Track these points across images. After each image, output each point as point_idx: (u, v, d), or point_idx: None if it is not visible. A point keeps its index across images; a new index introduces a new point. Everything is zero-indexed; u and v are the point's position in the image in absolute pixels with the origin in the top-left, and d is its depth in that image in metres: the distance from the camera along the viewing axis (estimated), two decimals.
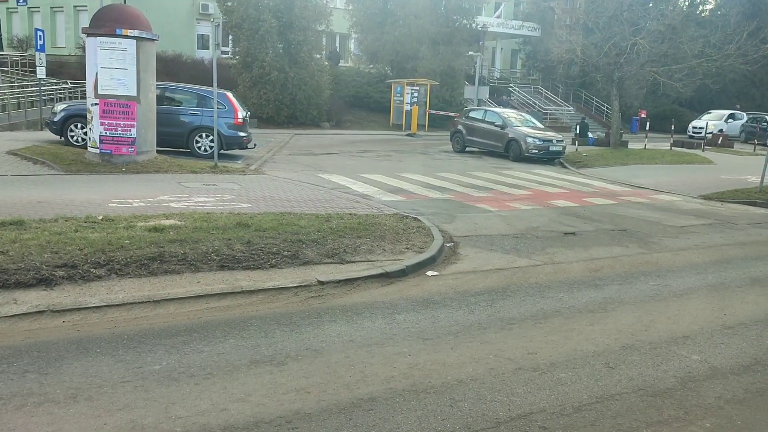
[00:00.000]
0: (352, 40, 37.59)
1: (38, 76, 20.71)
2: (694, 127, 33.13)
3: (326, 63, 30.40)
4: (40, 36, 20.58)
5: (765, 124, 32.20)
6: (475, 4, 33.95)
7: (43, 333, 4.90)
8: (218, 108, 14.27)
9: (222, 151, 15.15)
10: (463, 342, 5.20)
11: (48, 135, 16.01)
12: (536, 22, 38.56)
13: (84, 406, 3.82)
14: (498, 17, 39.59)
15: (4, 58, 29.00)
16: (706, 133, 29.20)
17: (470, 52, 32.57)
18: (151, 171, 12.25)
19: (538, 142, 19.96)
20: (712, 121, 32.68)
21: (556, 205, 12.41)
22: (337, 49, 37.14)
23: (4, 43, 35.56)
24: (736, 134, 32.23)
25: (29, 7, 33.31)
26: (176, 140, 15.24)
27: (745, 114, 34.96)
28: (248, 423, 3.74)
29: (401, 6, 31.84)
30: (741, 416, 4.21)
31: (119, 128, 12.17)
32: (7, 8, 35.58)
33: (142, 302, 5.59)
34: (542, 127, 22.84)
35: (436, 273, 7.30)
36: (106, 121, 12.12)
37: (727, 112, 34.60)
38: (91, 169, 12.03)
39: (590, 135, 27.54)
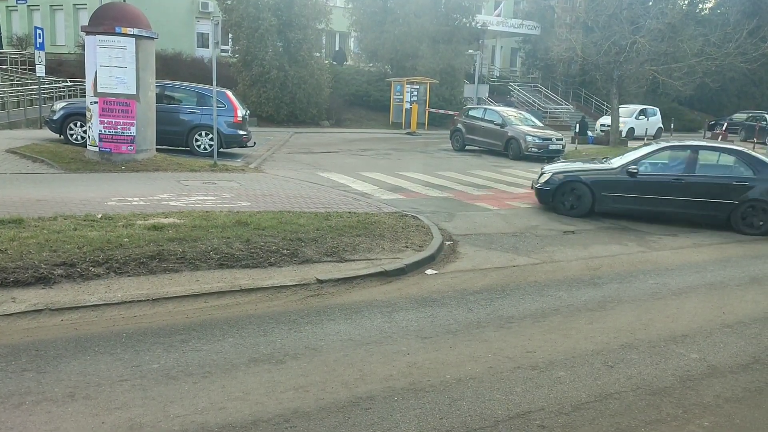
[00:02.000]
0: (352, 39, 37.57)
1: (38, 75, 20.72)
2: (602, 125, 30.17)
3: (327, 62, 30.39)
4: (39, 34, 20.58)
5: (765, 122, 32.18)
6: (475, 2, 33.95)
7: (42, 331, 4.90)
8: (218, 106, 14.26)
9: (221, 150, 15.15)
10: (462, 341, 5.20)
11: (47, 133, 16.00)
12: (536, 20, 38.57)
13: (82, 404, 3.82)
14: (498, 16, 39.57)
15: (3, 57, 28.99)
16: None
17: (470, 51, 32.58)
18: (150, 169, 12.25)
19: (537, 141, 19.95)
20: (621, 118, 29.08)
21: None
22: (340, 48, 37.14)
23: (4, 41, 35.53)
24: (644, 133, 29.07)
25: (29, 6, 33.29)
26: (176, 139, 15.23)
27: (657, 110, 32.03)
28: (247, 422, 3.73)
29: (401, 4, 31.83)
30: (740, 415, 4.21)
31: (118, 127, 12.17)
32: (7, 6, 35.55)
33: (140, 301, 5.59)
34: (542, 125, 22.85)
35: (435, 271, 7.30)
36: (106, 120, 12.12)
37: (639, 107, 31.53)
38: (90, 167, 12.03)
39: (590, 133, 27.54)
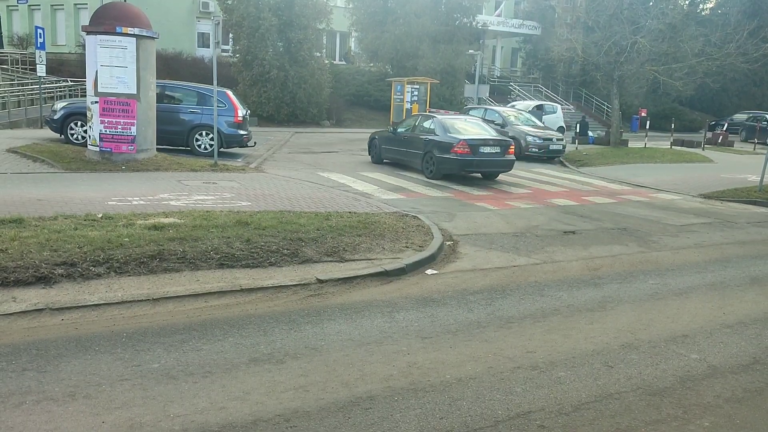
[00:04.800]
0: (353, 39, 37.58)
1: (38, 74, 20.71)
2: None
3: (328, 62, 30.35)
4: (40, 34, 20.57)
5: (765, 122, 32.15)
6: (476, 2, 33.93)
7: (42, 331, 4.90)
8: (218, 106, 14.26)
9: (222, 150, 15.15)
10: (462, 341, 5.20)
11: (48, 133, 16.02)
12: (537, 20, 38.56)
13: (82, 404, 3.82)
14: (498, 16, 39.55)
15: (4, 56, 29.00)
16: None
17: (470, 51, 32.54)
18: (150, 169, 12.25)
19: (538, 141, 19.94)
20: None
21: (555, 204, 12.40)
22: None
23: (5, 41, 35.54)
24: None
25: (29, 5, 33.30)
26: (176, 138, 15.24)
27: (560, 107, 28.34)
28: (247, 421, 3.74)
29: (401, 4, 31.84)
30: (740, 415, 4.21)
31: (119, 126, 12.17)
32: (8, 6, 35.55)
33: (141, 300, 5.60)
34: (542, 125, 22.82)
35: (435, 271, 7.30)
36: (106, 119, 12.12)
37: (534, 103, 28.09)
38: (91, 167, 12.03)
39: (590, 134, 27.51)
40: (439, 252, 8.00)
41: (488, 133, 15.43)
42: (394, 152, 16.22)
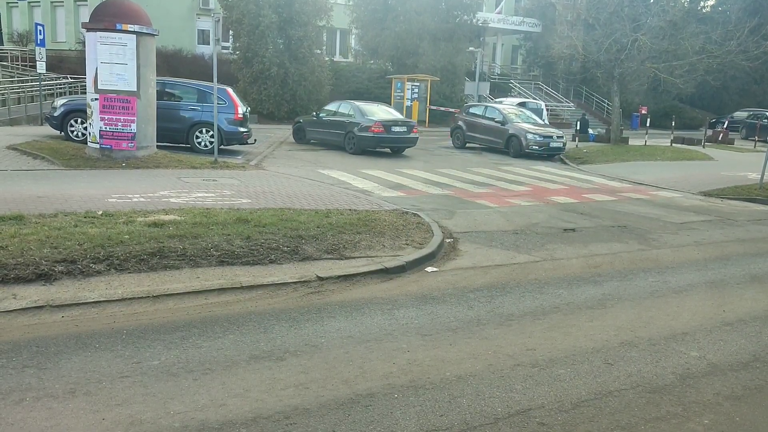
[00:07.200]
0: (353, 36, 37.57)
1: (38, 71, 20.69)
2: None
3: (329, 59, 30.34)
4: (40, 31, 20.54)
5: (766, 120, 32.12)
6: None
7: (42, 328, 4.91)
8: (218, 103, 14.25)
9: (222, 147, 15.14)
10: (462, 338, 5.20)
11: (48, 130, 16.01)
12: (537, 18, 38.49)
13: (82, 401, 3.83)
14: (499, 13, 39.48)
15: (4, 53, 29.00)
16: None
17: (471, 48, 32.51)
18: (150, 166, 12.25)
19: (538, 139, 19.94)
20: None
21: (555, 202, 12.40)
22: (343, 46, 37.30)
23: (5, 37, 35.51)
24: None
25: (29, 2, 33.31)
26: (176, 135, 15.24)
27: (544, 104, 27.46)
28: (247, 418, 3.74)
29: (402, 2, 31.80)
30: (739, 413, 4.21)
31: (119, 123, 12.17)
32: (7, 3, 35.54)
33: (141, 297, 5.60)
34: (542, 123, 22.80)
35: (435, 269, 7.30)
36: (106, 116, 12.11)
37: (518, 100, 27.22)
38: (91, 164, 12.03)
39: (591, 131, 27.49)
40: (439, 249, 8.00)
41: (397, 116, 19.05)
42: (320, 133, 19.06)
